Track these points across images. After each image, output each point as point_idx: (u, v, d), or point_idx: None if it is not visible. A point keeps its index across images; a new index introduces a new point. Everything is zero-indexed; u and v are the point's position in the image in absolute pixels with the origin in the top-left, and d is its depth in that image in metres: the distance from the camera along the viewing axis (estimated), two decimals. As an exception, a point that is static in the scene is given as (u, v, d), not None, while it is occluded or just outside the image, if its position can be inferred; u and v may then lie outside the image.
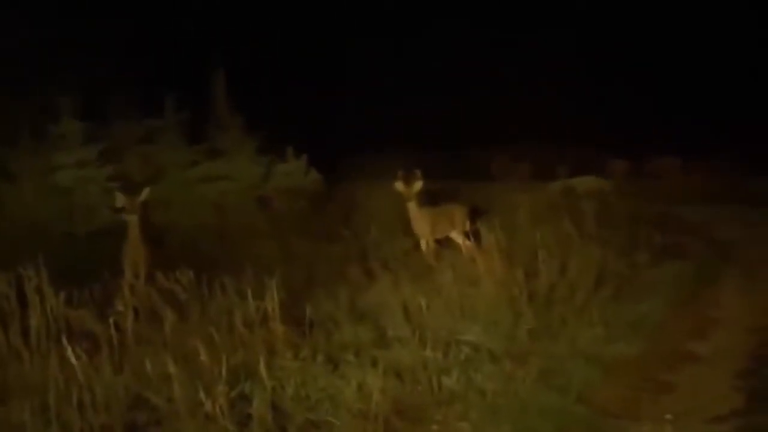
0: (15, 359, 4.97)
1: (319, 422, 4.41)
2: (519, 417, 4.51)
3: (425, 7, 22.83)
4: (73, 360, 4.45)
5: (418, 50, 22.23)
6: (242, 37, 17.54)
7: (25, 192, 10.01)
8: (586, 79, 20.37)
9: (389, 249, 8.72)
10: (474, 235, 8.22)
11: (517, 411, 4.59)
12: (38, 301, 5.21)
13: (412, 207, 8.16)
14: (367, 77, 20.18)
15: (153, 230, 7.55)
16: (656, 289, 7.57)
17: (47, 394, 4.31)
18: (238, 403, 4.42)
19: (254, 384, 4.59)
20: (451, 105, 21.24)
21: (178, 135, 11.97)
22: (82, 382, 4.39)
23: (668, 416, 4.63)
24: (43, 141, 10.47)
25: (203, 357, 4.58)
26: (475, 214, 8.88)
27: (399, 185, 8.11)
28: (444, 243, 8.60)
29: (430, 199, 8.84)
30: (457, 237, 8.60)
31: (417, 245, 8.46)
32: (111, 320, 5.12)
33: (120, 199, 6.97)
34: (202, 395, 4.22)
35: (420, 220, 8.23)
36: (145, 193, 6.94)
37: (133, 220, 6.83)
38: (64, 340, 4.62)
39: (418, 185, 8.09)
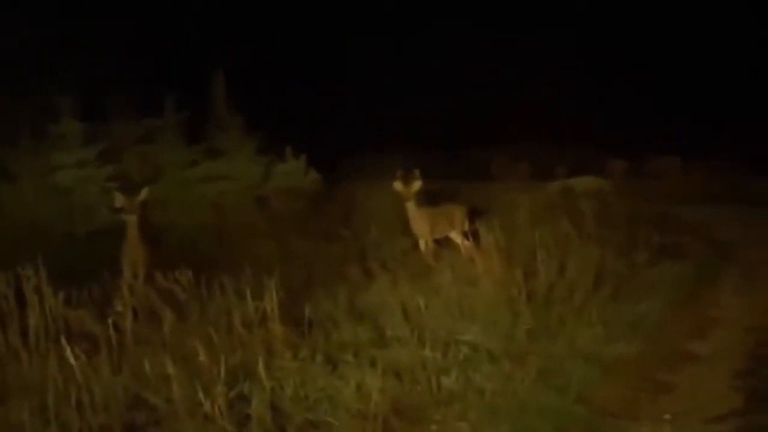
0: (14, 359, 4.97)
1: (318, 422, 4.41)
2: (518, 417, 4.51)
3: (425, 7, 22.84)
4: (71, 360, 4.44)
5: (418, 50, 22.23)
6: (242, 37, 17.54)
7: (24, 192, 10.01)
8: (586, 79, 20.37)
9: (388, 249, 8.72)
10: (473, 235, 8.23)
11: (516, 411, 4.59)
12: (37, 301, 5.20)
13: (411, 207, 8.16)
14: (367, 77, 20.18)
15: (152, 230, 7.55)
16: (655, 289, 7.57)
17: (46, 394, 4.31)
18: (236, 404, 4.42)
19: (253, 384, 4.59)
20: (450, 105, 21.24)
21: (177, 135, 11.97)
22: (81, 382, 4.39)
23: (667, 416, 4.63)
24: (42, 141, 10.47)
25: (202, 357, 4.57)
26: (474, 214, 8.88)
27: (398, 185, 8.11)
28: (443, 243, 8.60)
29: (429, 199, 8.84)
30: (456, 237, 8.60)
31: (416, 245, 8.46)
32: (110, 320, 5.12)
33: (119, 199, 6.97)
34: (201, 395, 4.23)
35: (419, 220, 8.22)
36: (144, 193, 6.94)
37: (132, 220, 6.83)
38: (63, 341, 4.61)
39: (417, 185, 8.09)
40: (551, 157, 18.74)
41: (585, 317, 6.30)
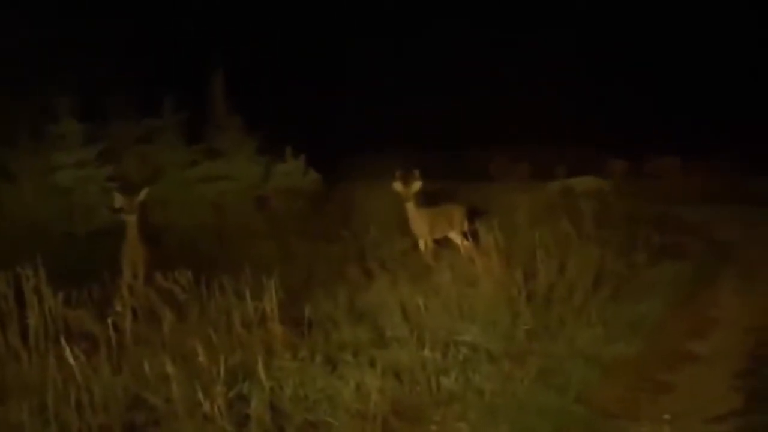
0: (13, 359, 4.97)
1: (318, 422, 4.41)
2: (517, 417, 4.52)
3: (425, 7, 22.84)
4: (71, 360, 4.45)
5: (418, 50, 22.24)
6: (242, 37, 17.53)
7: (24, 192, 10.01)
8: (586, 79, 20.37)
9: (388, 249, 8.73)
10: (472, 235, 8.23)
11: (516, 411, 4.60)
12: (37, 301, 5.20)
13: (411, 207, 8.16)
14: (367, 77, 20.17)
15: (152, 230, 7.55)
16: (655, 289, 7.57)
17: (45, 394, 4.32)
18: (236, 404, 4.42)
19: (252, 384, 4.59)
20: (450, 105, 21.24)
21: (176, 135, 11.96)
22: (81, 382, 4.39)
23: (667, 416, 4.63)
24: (42, 141, 10.46)
25: (202, 357, 4.57)
26: (473, 214, 8.89)
27: (397, 185, 8.10)
28: (442, 243, 8.60)
29: (428, 199, 8.84)
30: (455, 237, 8.60)
31: (415, 245, 8.46)
32: (109, 320, 5.12)
33: (119, 200, 6.98)
34: (200, 395, 4.23)
35: (418, 220, 8.22)
36: (144, 193, 6.94)
37: (131, 220, 6.83)
38: (63, 341, 4.61)
39: (417, 185, 8.08)
40: (551, 157, 18.76)
41: (585, 317, 6.30)
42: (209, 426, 4.21)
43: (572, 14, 22.58)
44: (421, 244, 8.34)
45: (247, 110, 12.48)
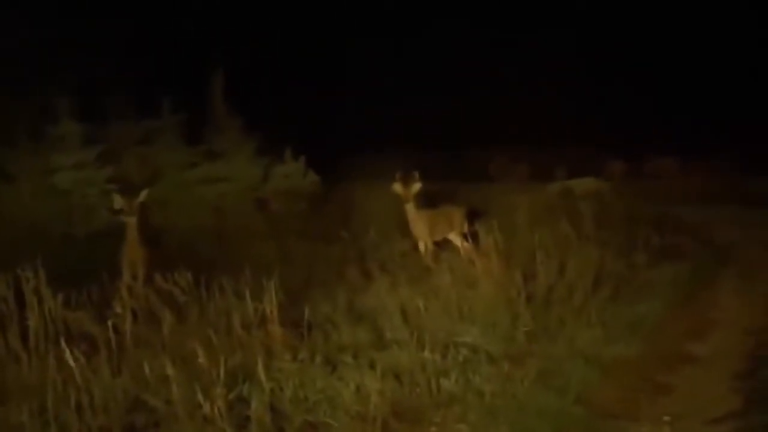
0: (13, 361, 4.96)
1: (318, 424, 4.42)
2: (517, 418, 4.52)
3: (425, 7, 22.86)
4: (71, 362, 4.45)
5: (418, 50, 22.26)
6: (241, 37, 17.54)
7: (23, 193, 10.00)
8: (586, 79, 20.40)
9: (387, 250, 8.74)
10: (472, 236, 8.22)
11: (516, 412, 4.60)
12: (36, 302, 5.20)
13: (411, 209, 8.14)
14: (367, 77, 20.18)
15: (151, 232, 7.56)
16: (654, 290, 7.58)
17: (45, 395, 4.32)
18: (236, 405, 4.42)
19: (252, 386, 4.59)
20: (450, 105, 21.25)
21: (176, 136, 11.95)
22: (81, 384, 4.40)
23: (666, 417, 4.64)
24: (41, 142, 10.45)
25: (201, 359, 4.58)
26: (473, 215, 8.88)
27: (397, 187, 8.09)
28: (442, 245, 8.60)
29: (428, 200, 8.83)
30: (455, 239, 8.60)
31: (415, 247, 8.46)
32: (109, 322, 5.12)
33: (118, 201, 6.98)
34: (200, 397, 4.23)
35: (418, 221, 8.21)
36: (144, 194, 6.95)
37: (131, 221, 6.84)
38: (63, 342, 4.62)
39: (417, 187, 8.06)
40: (550, 157, 18.77)
41: (584, 318, 6.30)
42: (209, 427, 4.21)
43: (572, 14, 22.60)
44: (421, 245, 8.33)
45: (246, 111, 12.47)
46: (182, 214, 10.41)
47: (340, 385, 4.72)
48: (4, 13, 11.14)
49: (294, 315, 5.77)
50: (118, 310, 5.55)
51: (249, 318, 5.41)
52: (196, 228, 10.01)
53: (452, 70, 22.45)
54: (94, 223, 9.75)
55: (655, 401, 4.97)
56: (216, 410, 4.22)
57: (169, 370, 4.37)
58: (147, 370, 4.55)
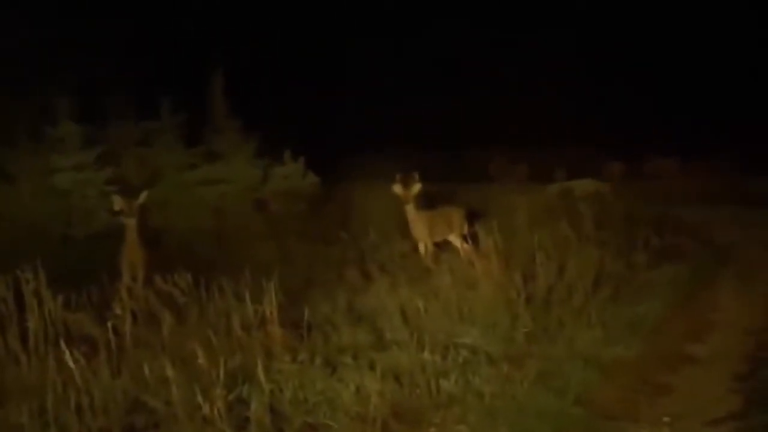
0: (13, 362, 4.97)
1: (317, 425, 4.41)
2: (517, 419, 4.52)
3: (425, 7, 22.87)
4: (71, 363, 4.45)
5: (418, 50, 22.27)
6: (241, 37, 17.54)
7: (23, 194, 9.99)
8: (586, 79, 20.40)
9: (387, 251, 8.74)
10: (472, 237, 8.22)
11: (515, 413, 4.60)
12: (36, 304, 5.20)
13: (410, 210, 8.14)
14: (367, 77, 20.19)
15: (151, 233, 7.56)
16: (654, 291, 7.57)
17: (45, 397, 4.32)
18: (236, 406, 4.42)
19: (252, 387, 4.59)
20: (450, 105, 21.26)
21: (175, 137, 11.94)
22: (80, 385, 4.40)
23: (666, 418, 4.64)
24: (41, 143, 10.45)
25: (201, 360, 4.58)
26: (472, 216, 8.89)
27: (397, 188, 8.08)
28: (442, 246, 8.60)
29: (427, 201, 8.84)
30: (454, 240, 8.60)
31: (415, 248, 8.46)
32: (109, 323, 5.11)
33: (118, 202, 6.99)
34: (200, 398, 4.23)
35: (418, 222, 8.21)
36: (143, 196, 6.96)
37: (130, 223, 6.84)
38: (62, 344, 4.61)
39: (416, 188, 8.06)
40: (550, 157, 18.78)
41: (584, 319, 6.30)
42: (209, 429, 4.21)
43: (572, 14, 22.61)
44: (421, 246, 8.33)
45: (246, 111, 12.47)
46: (182, 215, 10.41)
47: (339, 386, 4.72)
48: (4, 13, 11.15)
49: (294, 316, 5.77)
50: (118, 311, 5.56)
51: (249, 319, 5.41)
52: (195, 229, 10.01)
53: (452, 70, 22.49)
54: (94, 224, 9.75)
55: (654, 402, 4.97)
56: (216, 411, 4.22)
57: (169, 372, 4.36)
58: (147, 371, 4.55)
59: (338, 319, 6.04)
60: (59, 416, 4.24)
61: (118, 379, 4.69)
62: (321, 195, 12.58)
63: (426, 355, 5.23)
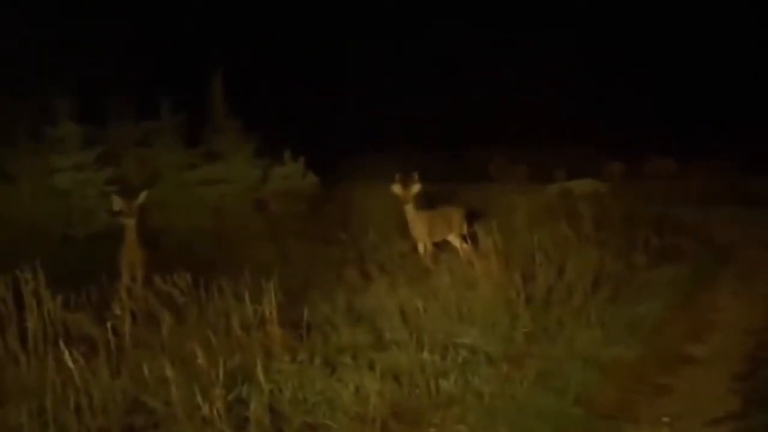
0: (12, 362, 4.96)
1: (317, 425, 4.41)
2: (516, 419, 4.52)
3: (425, 7, 22.87)
4: (70, 363, 4.44)
5: (418, 50, 22.27)
6: (241, 37, 17.54)
7: (22, 194, 9.99)
8: (586, 79, 20.41)
9: (386, 252, 8.74)
10: (471, 237, 8.22)
11: (515, 413, 4.60)
12: (35, 304, 5.20)
13: (410, 210, 8.14)
14: (367, 77, 20.20)
15: (150, 233, 7.56)
16: (654, 291, 7.57)
17: (44, 397, 4.32)
18: (235, 407, 4.42)
19: (252, 387, 4.59)
20: (450, 105, 21.26)
21: (175, 138, 11.93)
22: (80, 385, 4.39)
23: (666, 418, 4.64)
24: (41, 143, 10.45)
25: (201, 360, 4.58)
26: (472, 216, 8.89)
27: (396, 188, 8.09)
28: (441, 246, 8.60)
29: (427, 201, 8.84)
30: (454, 240, 8.60)
31: (414, 248, 8.46)
32: (108, 323, 5.11)
33: (117, 203, 6.99)
34: (199, 398, 4.23)
35: (417, 222, 8.21)
36: (143, 196, 6.96)
37: (130, 223, 6.84)
38: (62, 344, 4.61)
39: (416, 188, 8.06)
40: (550, 158, 18.79)
41: (583, 319, 6.30)
42: (208, 428, 4.21)
43: (572, 14, 22.61)
44: (420, 246, 8.33)
45: (246, 111, 12.47)
46: (181, 216, 10.41)
47: (339, 386, 4.71)
48: (4, 13, 11.15)
49: (293, 316, 5.76)
50: (117, 311, 5.57)
51: (248, 319, 5.41)
52: (195, 229, 10.01)
53: (452, 70, 22.48)
54: (94, 224, 9.75)
55: (654, 402, 4.97)
56: (215, 411, 4.22)
57: (168, 372, 4.36)
58: (146, 371, 4.55)
59: (338, 319, 6.04)
60: (58, 416, 4.24)
61: (118, 379, 4.69)
62: (321, 195, 12.58)
63: (425, 355, 5.23)
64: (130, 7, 14.68)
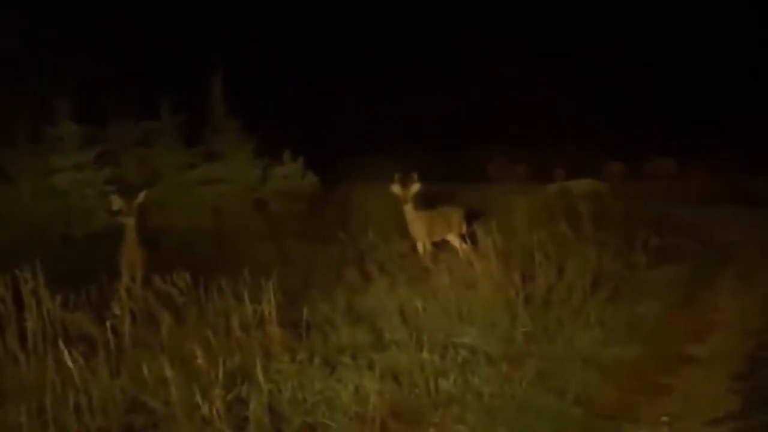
0: (12, 362, 4.97)
1: (316, 425, 4.41)
2: (516, 419, 4.52)
3: (425, 7, 22.87)
4: (69, 363, 4.45)
5: (418, 50, 22.26)
6: (241, 37, 17.54)
7: (22, 194, 9.98)
8: (585, 79, 20.40)
9: (386, 251, 8.73)
10: (471, 237, 8.22)
11: (515, 413, 4.59)
12: (35, 303, 5.20)
13: (409, 210, 8.15)
14: (367, 77, 20.19)
15: (150, 233, 7.56)
16: (653, 291, 7.58)
17: (44, 397, 4.32)
18: (235, 406, 4.42)
19: (251, 387, 4.59)
20: (450, 105, 21.27)
21: (174, 137, 11.92)
22: (79, 385, 4.40)
23: (665, 418, 4.63)
24: (40, 143, 10.45)
25: (200, 360, 4.58)
26: (471, 216, 8.89)
27: (396, 188, 8.09)
28: (441, 246, 8.60)
29: (426, 201, 8.84)
30: (453, 239, 8.60)
31: (414, 248, 8.46)
32: (108, 323, 5.12)
33: (117, 202, 6.99)
34: (198, 398, 4.23)
35: (417, 222, 8.21)
36: (142, 196, 6.96)
37: (129, 223, 6.85)
38: (61, 344, 4.62)
39: (415, 188, 8.07)
40: (549, 158, 18.78)
41: (583, 319, 6.30)
42: (208, 428, 4.21)
43: (572, 14, 22.60)
44: (420, 246, 8.34)
45: (245, 111, 12.47)
46: (181, 216, 10.41)
47: (338, 386, 4.71)
48: (4, 13, 11.14)
49: (293, 316, 5.76)
50: (117, 311, 5.56)
51: (248, 319, 5.41)
52: (194, 229, 10.01)
53: (452, 70, 22.47)
54: (93, 224, 9.74)
55: (654, 402, 4.96)
56: (214, 411, 4.21)
57: (168, 371, 4.36)
58: (145, 371, 4.55)
59: (337, 319, 6.04)
60: (58, 416, 4.24)
61: (117, 379, 4.69)
62: (320, 195, 12.59)
63: (425, 354, 5.23)
64: (130, 7, 14.68)
